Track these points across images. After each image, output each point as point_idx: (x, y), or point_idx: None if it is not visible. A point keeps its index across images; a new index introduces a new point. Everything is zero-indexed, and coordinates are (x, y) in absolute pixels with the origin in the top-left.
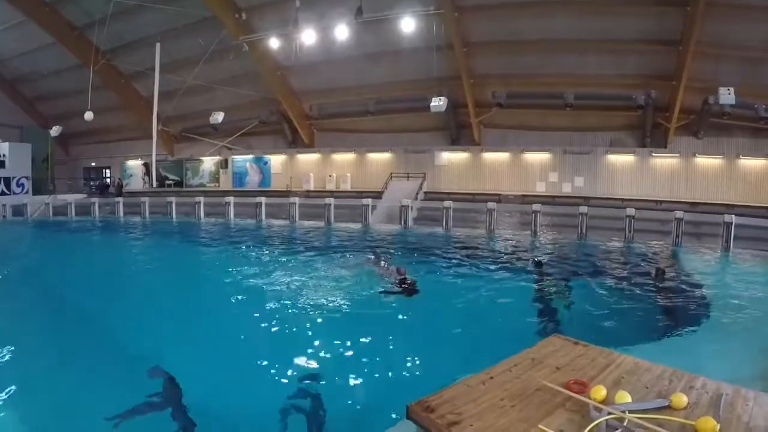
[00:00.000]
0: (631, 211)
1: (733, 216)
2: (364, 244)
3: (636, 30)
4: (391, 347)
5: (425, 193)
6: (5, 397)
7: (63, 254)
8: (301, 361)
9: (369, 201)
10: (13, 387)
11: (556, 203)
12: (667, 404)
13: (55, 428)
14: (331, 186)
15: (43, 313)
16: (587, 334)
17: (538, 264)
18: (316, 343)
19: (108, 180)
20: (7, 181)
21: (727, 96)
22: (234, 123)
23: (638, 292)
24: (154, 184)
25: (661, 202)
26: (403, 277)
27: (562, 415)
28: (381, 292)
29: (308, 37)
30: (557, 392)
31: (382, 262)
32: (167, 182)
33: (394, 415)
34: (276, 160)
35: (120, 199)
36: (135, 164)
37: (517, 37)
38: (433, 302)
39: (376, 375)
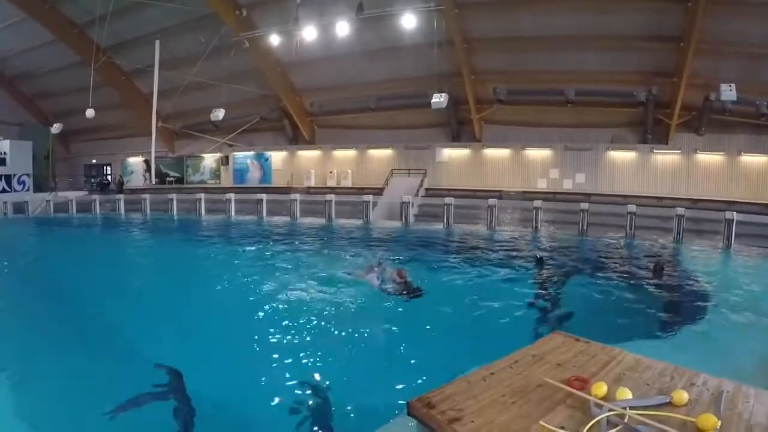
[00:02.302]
0: (632, 208)
1: (735, 213)
2: (364, 243)
3: (637, 26)
4: (391, 344)
5: (426, 189)
6: (7, 389)
7: (64, 251)
8: (302, 358)
9: (370, 197)
10: (15, 381)
11: (557, 200)
12: (668, 401)
13: (56, 422)
14: (331, 182)
15: (45, 310)
16: (588, 330)
17: (539, 260)
18: (317, 341)
19: (109, 177)
20: (8, 179)
21: (728, 92)
22: (235, 120)
23: (639, 288)
24: (155, 181)
25: (663, 198)
26: (403, 280)
27: (563, 412)
28: (382, 292)
29: (309, 33)
30: (558, 388)
31: (377, 271)
32: (168, 179)
33: (395, 412)
34: (277, 157)
35: (121, 196)
36: (136, 161)
37: (517, 33)
38: (433, 299)
39: (377, 372)
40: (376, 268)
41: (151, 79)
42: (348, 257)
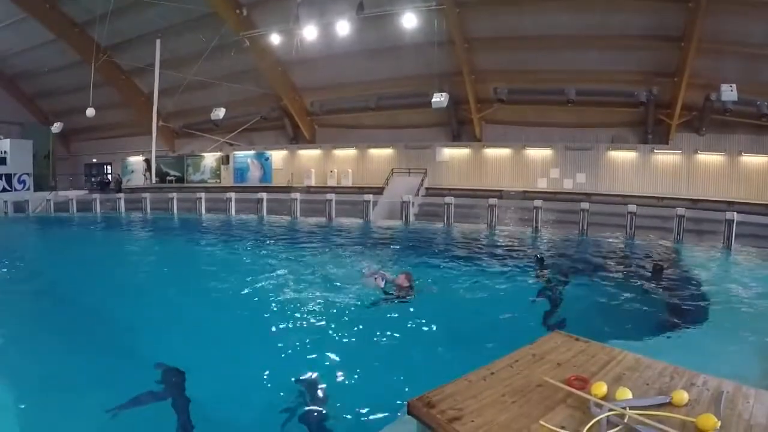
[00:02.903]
0: (632, 208)
1: (735, 213)
2: (365, 243)
3: (638, 26)
4: (392, 344)
5: (426, 188)
6: (8, 388)
7: (64, 250)
8: (303, 358)
9: (370, 197)
10: (16, 379)
11: (557, 199)
12: (668, 401)
13: (56, 420)
14: (332, 182)
15: (45, 309)
16: (588, 330)
17: (539, 260)
18: (317, 341)
19: (109, 176)
20: (8, 178)
21: (729, 93)
22: (235, 119)
23: (639, 288)
24: (155, 180)
25: (663, 198)
26: (409, 284)
27: (563, 411)
28: (385, 300)
29: (309, 32)
30: (558, 388)
31: (381, 274)
32: (168, 178)
33: (395, 411)
34: (277, 156)
35: (121, 195)
36: (136, 160)
37: (518, 32)
38: (433, 299)
39: (378, 372)
40: (380, 271)
41: (151, 78)
42: (349, 258)
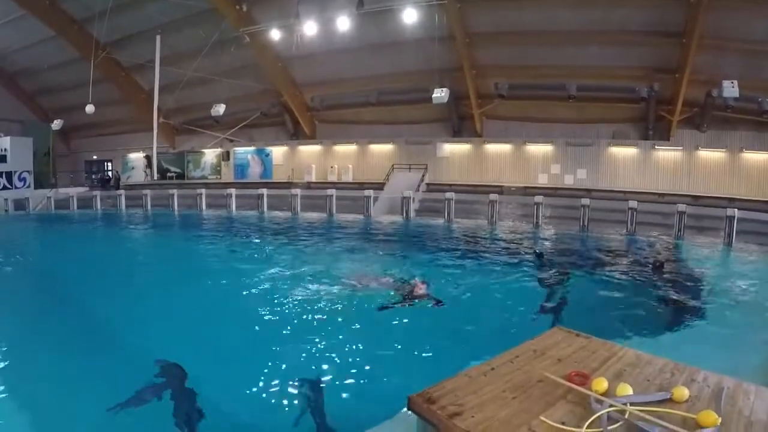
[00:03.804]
0: (633, 204)
1: (736, 210)
2: (365, 239)
3: (639, 21)
4: (391, 340)
5: (427, 184)
6: (8, 387)
7: (64, 247)
8: (303, 355)
9: (371, 192)
10: (16, 377)
11: (558, 195)
12: (668, 397)
13: (57, 419)
14: (332, 177)
15: (45, 307)
16: (588, 326)
17: (540, 256)
18: (318, 338)
19: (109, 173)
20: (8, 176)
21: (730, 89)
22: (235, 115)
23: (639, 285)
24: (156, 176)
25: (664, 195)
26: (423, 290)
27: (564, 407)
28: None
29: (310, 28)
30: (559, 384)
31: (385, 279)
32: (169, 175)
33: (395, 408)
34: (277, 152)
35: (122, 192)
36: (137, 157)
37: (519, 28)
38: (434, 295)
39: (378, 368)
40: (385, 278)
41: (151, 74)
42: (351, 256)
